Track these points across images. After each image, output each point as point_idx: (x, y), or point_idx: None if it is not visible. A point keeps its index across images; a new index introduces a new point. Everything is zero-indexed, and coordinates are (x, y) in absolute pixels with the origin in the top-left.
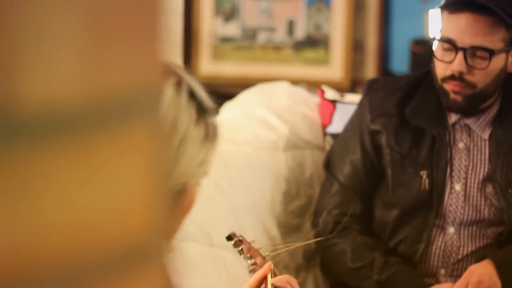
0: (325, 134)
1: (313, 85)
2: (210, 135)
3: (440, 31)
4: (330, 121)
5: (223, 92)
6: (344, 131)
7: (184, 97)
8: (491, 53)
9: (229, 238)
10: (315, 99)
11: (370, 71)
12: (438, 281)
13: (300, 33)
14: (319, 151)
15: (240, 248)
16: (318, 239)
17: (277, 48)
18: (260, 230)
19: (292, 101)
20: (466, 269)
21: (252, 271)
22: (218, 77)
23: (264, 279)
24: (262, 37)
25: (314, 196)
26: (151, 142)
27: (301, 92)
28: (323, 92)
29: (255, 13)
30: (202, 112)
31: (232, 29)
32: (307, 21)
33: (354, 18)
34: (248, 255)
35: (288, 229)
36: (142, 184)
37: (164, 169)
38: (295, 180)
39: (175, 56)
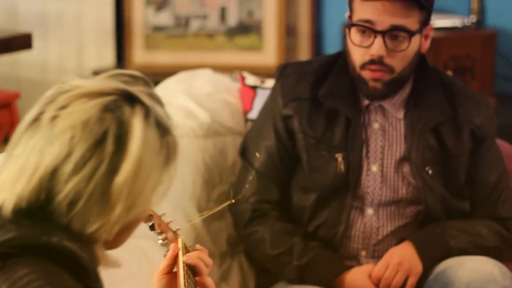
0: (246, 120)
1: (248, 72)
2: (171, 155)
3: (352, 17)
4: (251, 107)
5: (157, 81)
6: (258, 117)
7: (151, 131)
8: (410, 34)
9: None
10: (236, 86)
11: (304, 55)
12: (359, 263)
13: (233, 19)
14: (241, 137)
15: (151, 223)
16: (228, 203)
17: (210, 35)
18: (182, 217)
19: (213, 88)
20: (386, 250)
21: (164, 245)
22: (152, 66)
23: (176, 258)
24: (194, 25)
25: None
26: None
27: (222, 79)
28: (243, 78)
29: (187, 1)
30: (164, 135)
31: (164, 17)
32: (239, 8)
33: (286, 3)
34: (159, 230)
35: (211, 216)
36: None
37: None
38: (217, 167)
39: (108, 47)
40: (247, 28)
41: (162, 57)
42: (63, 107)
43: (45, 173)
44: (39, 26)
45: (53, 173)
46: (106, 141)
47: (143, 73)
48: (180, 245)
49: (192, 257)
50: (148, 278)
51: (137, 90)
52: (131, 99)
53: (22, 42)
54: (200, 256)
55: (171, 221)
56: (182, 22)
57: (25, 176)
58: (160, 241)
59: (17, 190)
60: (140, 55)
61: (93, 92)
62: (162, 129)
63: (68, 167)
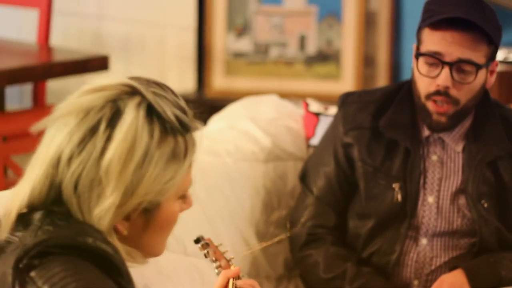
0: (308, 146)
1: (325, 100)
2: (180, 154)
3: (421, 47)
4: (313, 133)
5: None
6: (320, 143)
7: (142, 118)
8: (478, 67)
9: (197, 241)
10: (300, 112)
11: (382, 85)
12: None
13: (312, 48)
14: (302, 162)
15: (206, 251)
16: (279, 238)
17: (288, 63)
18: (238, 239)
19: (277, 114)
20: None
21: (218, 273)
22: (231, 92)
23: (227, 282)
24: (274, 52)
25: None
26: None
27: (287, 105)
28: (307, 104)
29: (267, 29)
30: (169, 132)
31: (244, 44)
32: (319, 36)
33: (365, 33)
34: (214, 258)
35: (269, 239)
36: None
37: None
38: (276, 191)
39: (189, 72)
40: (325, 57)
41: (241, 83)
42: (75, 99)
43: (51, 160)
44: (122, 50)
45: (58, 159)
46: (100, 126)
47: (222, 98)
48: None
49: (246, 283)
50: None
51: (143, 87)
52: (133, 92)
53: (99, 63)
54: (253, 285)
55: (226, 251)
56: (262, 49)
57: (37, 164)
58: (215, 269)
59: (32, 178)
60: (220, 80)
61: (100, 87)
62: (169, 126)
63: (68, 152)
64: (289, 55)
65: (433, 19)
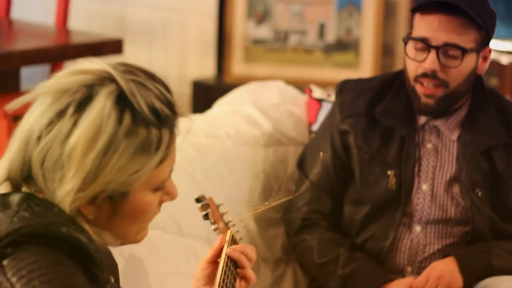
0: (310, 131)
1: None
2: (150, 146)
3: (412, 32)
4: (315, 120)
5: None
6: (318, 131)
7: (110, 107)
8: (464, 51)
9: (198, 200)
10: (304, 98)
11: None
12: None
13: (331, 36)
14: (303, 148)
15: (205, 212)
16: (282, 200)
17: (308, 51)
18: (235, 221)
19: (281, 99)
20: None
21: (218, 234)
22: (250, 78)
23: (221, 249)
24: (293, 39)
25: None
26: None
27: (291, 91)
28: (311, 91)
29: (287, 16)
30: (140, 123)
31: (264, 31)
32: (338, 25)
33: (384, 22)
34: (212, 220)
35: (267, 222)
36: None
37: None
38: (276, 175)
39: (209, 58)
40: (344, 45)
41: (260, 70)
42: (56, 79)
43: (25, 136)
44: (145, 35)
45: (30, 136)
46: (68, 110)
47: (241, 84)
48: (228, 237)
49: (235, 251)
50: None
51: (122, 75)
52: (110, 79)
53: (113, 47)
54: (244, 251)
55: (226, 212)
56: (281, 36)
57: (16, 138)
58: (214, 230)
59: (11, 151)
60: (239, 66)
61: (81, 70)
62: (140, 117)
63: (37, 131)
64: (308, 43)
65: (421, 3)
